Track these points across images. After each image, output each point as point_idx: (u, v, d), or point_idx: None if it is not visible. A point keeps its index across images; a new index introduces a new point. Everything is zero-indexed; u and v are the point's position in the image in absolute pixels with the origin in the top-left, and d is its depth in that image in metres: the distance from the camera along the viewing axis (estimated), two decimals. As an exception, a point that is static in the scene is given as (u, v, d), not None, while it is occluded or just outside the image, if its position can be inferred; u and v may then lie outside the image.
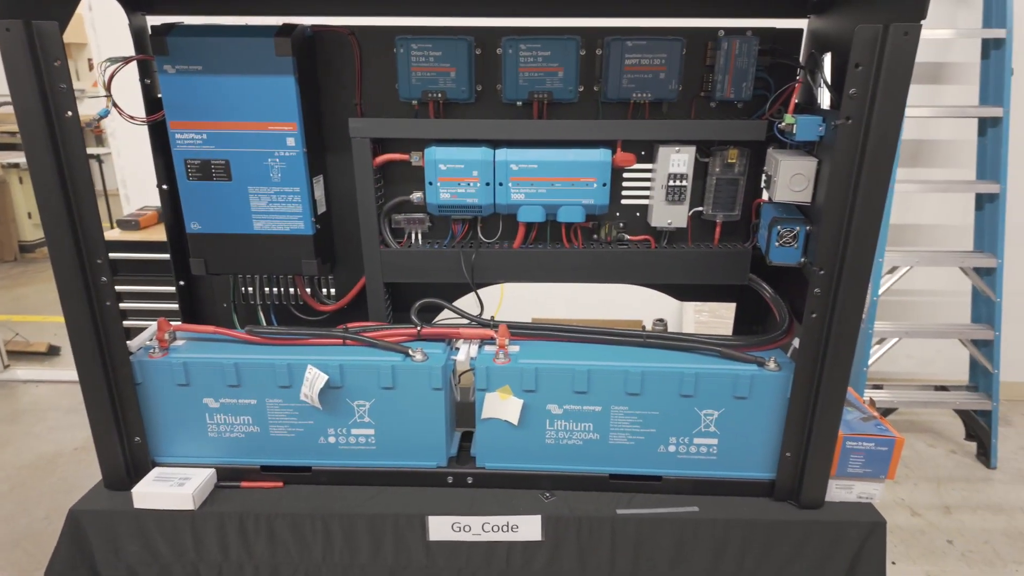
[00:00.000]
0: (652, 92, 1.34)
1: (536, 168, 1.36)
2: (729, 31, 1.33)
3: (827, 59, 1.17)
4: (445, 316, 1.48)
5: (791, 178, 1.16)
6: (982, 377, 2.77)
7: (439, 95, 1.34)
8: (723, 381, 1.21)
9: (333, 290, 1.57)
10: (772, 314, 1.39)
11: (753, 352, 1.27)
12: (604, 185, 1.37)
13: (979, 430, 2.78)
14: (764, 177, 1.28)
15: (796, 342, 1.29)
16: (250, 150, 1.32)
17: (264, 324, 1.55)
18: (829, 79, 1.16)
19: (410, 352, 1.25)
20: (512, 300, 1.57)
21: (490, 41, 1.35)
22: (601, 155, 1.36)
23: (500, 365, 1.23)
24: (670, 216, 1.42)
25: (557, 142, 1.36)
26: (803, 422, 1.21)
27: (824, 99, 1.17)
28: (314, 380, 1.21)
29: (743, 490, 1.29)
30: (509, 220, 1.47)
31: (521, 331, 1.32)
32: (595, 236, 1.49)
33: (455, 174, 1.37)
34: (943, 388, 2.84)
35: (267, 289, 1.52)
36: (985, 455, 2.76)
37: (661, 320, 1.62)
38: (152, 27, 1.30)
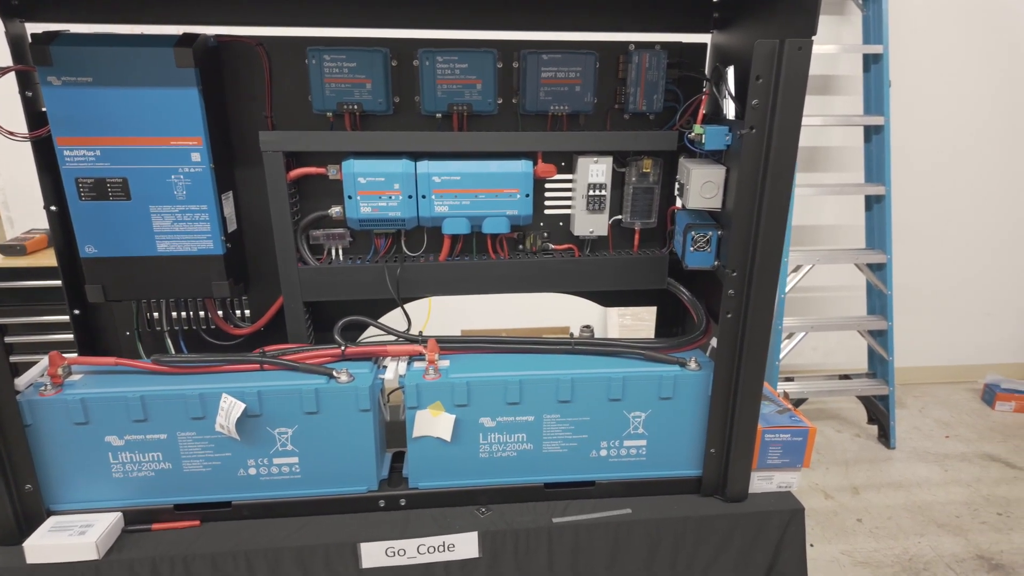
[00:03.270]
0: (569, 104, 1.36)
1: (459, 180, 1.36)
2: (639, 45, 1.38)
3: (730, 72, 1.23)
4: (371, 334, 1.44)
5: (702, 185, 1.21)
6: (879, 364, 3.00)
7: (355, 107, 1.31)
8: (648, 383, 1.24)
9: (248, 312, 1.49)
10: (690, 316, 1.45)
11: (674, 353, 1.31)
12: (527, 196, 1.38)
13: (879, 414, 3.01)
14: (677, 185, 1.33)
15: (714, 341, 1.35)
16: (151, 167, 1.24)
17: (173, 352, 1.45)
18: (733, 91, 1.22)
19: (334, 373, 1.20)
20: (440, 313, 1.55)
21: (406, 53, 1.34)
22: (523, 166, 1.37)
23: (430, 381, 1.21)
24: (592, 225, 1.45)
25: (479, 154, 1.36)
26: (724, 418, 1.26)
27: (729, 110, 1.23)
28: (230, 409, 1.14)
29: (672, 488, 1.33)
30: (434, 233, 1.46)
31: (450, 345, 1.31)
32: (520, 247, 1.50)
33: (376, 187, 1.34)
34: (846, 377, 3.05)
35: (175, 314, 1.42)
36: (885, 437, 2.99)
37: (588, 327, 1.66)
38: (32, 35, 1.19)
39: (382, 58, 1.29)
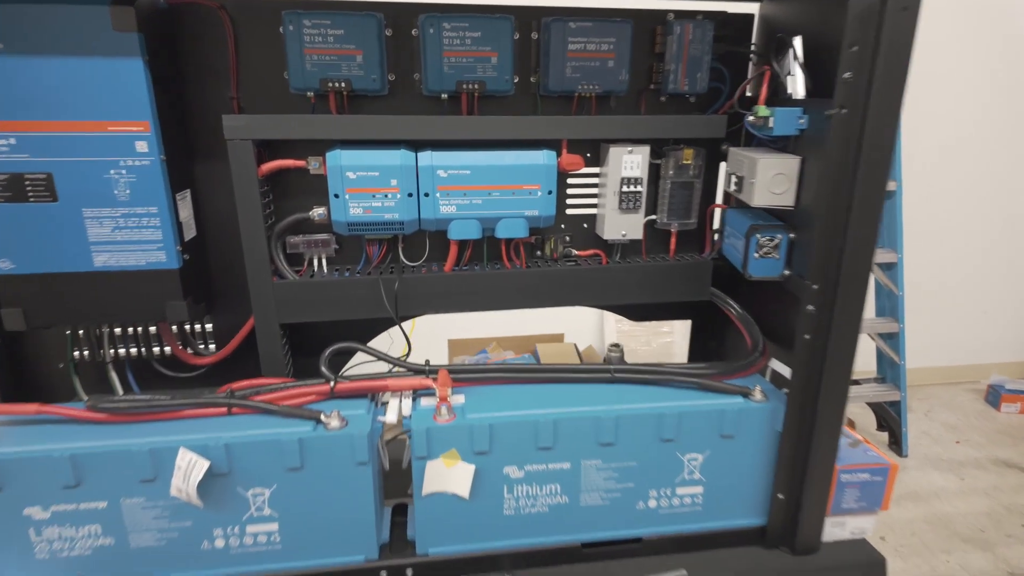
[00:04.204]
0: (600, 83, 1.14)
1: (469, 174, 1.12)
2: (679, 15, 1.17)
3: (798, 43, 1.03)
4: (360, 360, 1.19)
5: (772, 179, 1.00)
6: (889, 368, 2.86)
7: (342, 84, 1.06)
8: (708, 418, 1.03)
9: (212, 336, 1.24)
10: (732, 331, 1.24)
11: (731, 380, 1.10)
12: (550, 193, 1.16)
13: (890, 420, 2.87)
14: (732, 179, 1.12)
15: (774, 364, 1.14)
16: (84, 159, 0.97)
17: (117, 391, 1.19)
18: (797, 67, 1.02)
19: (322, 417, 0.96)
20: (421, 321, 1.31)
21: (403, 20, 1.10)
22: (545, 157, 1.14)
23: (443, 424, 0.97)
24: (624, 227, 1.23)
25: (489, 143, 1.13)
26: (796, 457, 1.05)
27: (798, 88, 1.03)
28: (189, 469, 0.89)
29: (732, 541, 1.12)
30: (437, 238, 1.22)
31: (464, 376, 1.07)
32: (538, 253, 1.27)
33: (368, 183, 1.09)
34: (855, 382, 2.90)
35: (120, 342, 1.16)
36: (897, 444, 2.85)
37: (616, 345, 1.44)
38: (-80, -11, 0.92)
39: (376, 24, 1.05)
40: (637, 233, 1.23)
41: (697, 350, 1.46)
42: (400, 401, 1.02)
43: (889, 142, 0.88)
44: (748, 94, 1.17)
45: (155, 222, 1.02)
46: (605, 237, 1.23)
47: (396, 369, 1.08)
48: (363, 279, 1.16)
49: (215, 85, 1.10)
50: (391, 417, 0.99)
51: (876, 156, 0.89)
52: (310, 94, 1.07)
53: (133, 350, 1.18)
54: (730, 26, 1.20)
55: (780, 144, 1.06)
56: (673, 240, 1.28)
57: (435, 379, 1.01)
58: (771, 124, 1.00)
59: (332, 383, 1.01)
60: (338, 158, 1.08)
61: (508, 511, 1.03)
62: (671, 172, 1.23)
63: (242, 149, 1.04)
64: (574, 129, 1.14)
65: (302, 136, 1.06)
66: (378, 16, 1.05)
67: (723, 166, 1.17)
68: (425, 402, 1.03)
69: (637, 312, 1.35)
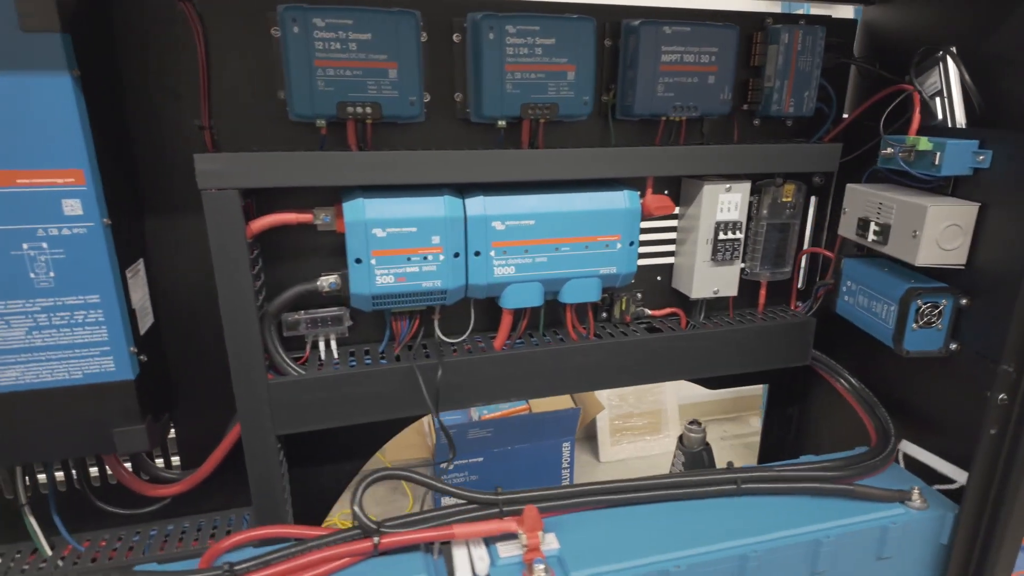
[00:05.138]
0: (698, 104, 0.89)
1: (533, 226, 0.85)
2: (778, 19, 0.94)
3: (951, 61, 0.81)
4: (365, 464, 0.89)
5: (943, 231, 0.78)
6: None
7: (368, 110, 0.76)
8: (866, 539, 0.80)
9: (175, 448, 0.90)
10: (818, 395, 1.03)
11: (866, 480, 0.88)
12: (631, 244, 0.90)
13: None
14: (859, 224, 0.89)
15: (910, 449, 0.93)
16: (-23, 227, 0.63)
17: (39, 542, 0.83)
18: (962, 87, 0.81)
19: (372, 597, 0.66)
20: None
21: (438, 19, 0.81)
22: (627, 200, 0.88)
23: (541, 589, 0.69)
24: (717, 282, 0.98)
25: (546, 182, 0.86)
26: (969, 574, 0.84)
27: (957, 114, 0.81)
28: None
29: None
30: (483, 305, 0.94)
31: (549, 505, 0.79)
32: (604, 314, 1.01)
33: (402, 243, 0.80)
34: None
35: (41, 475, 0.81)
36: None
37: (696, 423, 1.19)
38: None
39: (413, 26, 0.75)
40: (732, 289, 0.99)
41: (775, 418, 1.23)
42: (470, 554, 0.73)
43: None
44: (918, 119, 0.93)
45: (96, 315, 0.68)
46: (693, 296, 0.98)
47: (450, 500, 0.79)
48: (392, 369, 0.85)
49: (174, 110, 0.77)
50: (464, 582, 0.70)
51: (1104, 206, 0.68)
52: (321, 123, 0.76)
53: (60, 475, 0.83)
54: (833, 34, 0.98)
55: (929, 185, 0.85)
56: (763, 293, 1.05)
57: (521, 522, 0.73)
58: (938, 161, 0.77)
59: (376, 539, 0.71)
60: (361, 210, 0.78)
61: None
62: (765, 212, 0.99)
63: (223, 202, 0.72)
64: (673, 163, 0.88)
65: (314, 183, 0.75)
66: (414, 14, 0.75)
67: (845, 205, 0.94)
68: (505, 552, 0.74)
69: (718, 381, 1.11)
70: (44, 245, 0.65)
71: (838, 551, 0.78)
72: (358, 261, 0.80)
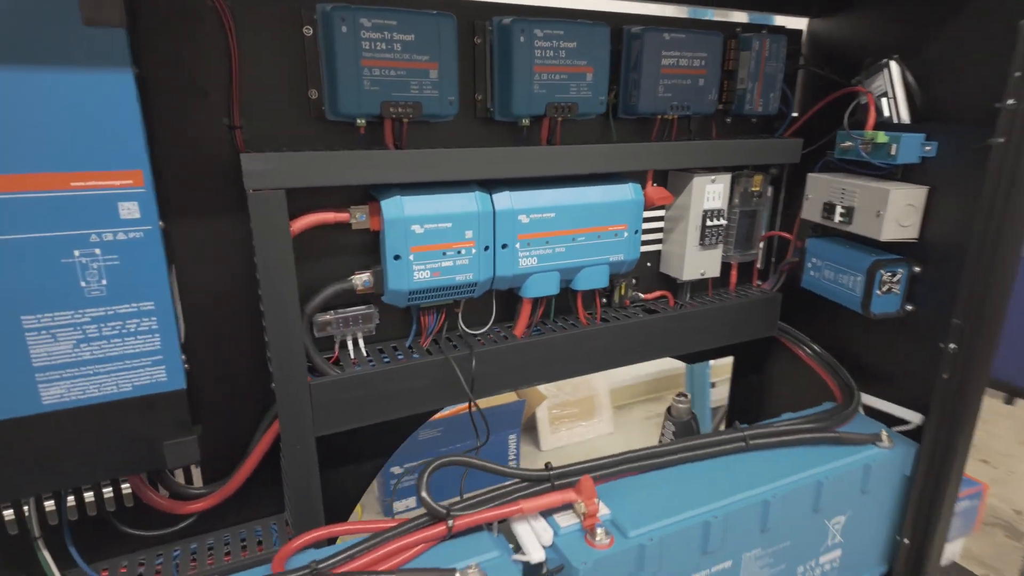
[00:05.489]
0: (690, 104, 0.98)
1: (553, 218, 0.90)
2: (746, 28, 1.06)
3: (895, 66, 0.96)
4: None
5: (902, 210, 0.92)
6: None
7: (409, 109, 0.78)
8: (853, 477, 0.93)
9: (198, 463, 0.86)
10: (777, 363, 1.17)
11: (843, 428, 1.02)
12: (636, 232, 0.98)
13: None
14: (838, 210, 1.02)
15: (871, 402, 1.08)
16: (25, 237, 0.59)
17: (52, 571, 0.77)
18: (904, 89, 0.96)
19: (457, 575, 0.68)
20: None
21: (460, 23, 0.84)
22: (633, 192, 0.96)
23: (607, 551, 0.75)
24: (703, 265, 1.09)
25: (558, 178, 0.92)
26: (924, 500, 1.00)
27: (900, 113, 0.96)
28: None
29: (860, 598, 1.04)
30: (503, 297, 0.98)
31: (597, 476, 0.85)
32: (604, 300, 1.08)
33: (439, 238, 0.82)
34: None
35: (48, 501, 0.75)
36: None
37: (683, 395, 1.29)
38: None
39: (451, 28, 0.78)
40: (716, 270, 1.10)
41: (740, 386, 1.37)
42: (532, 527, 0.78)
43: (1037, 172, 0.85)
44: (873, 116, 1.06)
45: (149, 323, 0.65)
46: (684, 278, 1.08)
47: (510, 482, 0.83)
48: (428, 363, 0.88)
49: (199, 108, 0.75)
50: (535, 554, 0.75)
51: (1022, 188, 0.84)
52: (361, 122, 0.77)
53: (70, 500, 0.77)
54: (790, 43, 1.11)
55: (882, 172, 0.99)
56: (734, 273, 1.17)
57: (579, 491, 0.78)
58: (894, 152, 0.92)
59: (450, 522, 0.73)
60: (399, 207, 0.79)
61: (668, 635, 0.84)
62: (737, 200, 1.11)
63: (271, 203, 0.71)
64: (671, 157, 0.97)
65: (361, 181, 0.76)
66: (453, 17, 0.78)
67: (808, 192, 1.07)
68: (564, 522, 0.79)
69: (698, 356, 1.22)
70: (97, 251, 0.61)
71: (834, 488, 0.91)
72: (396, 257, 0.81)
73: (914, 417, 1.00)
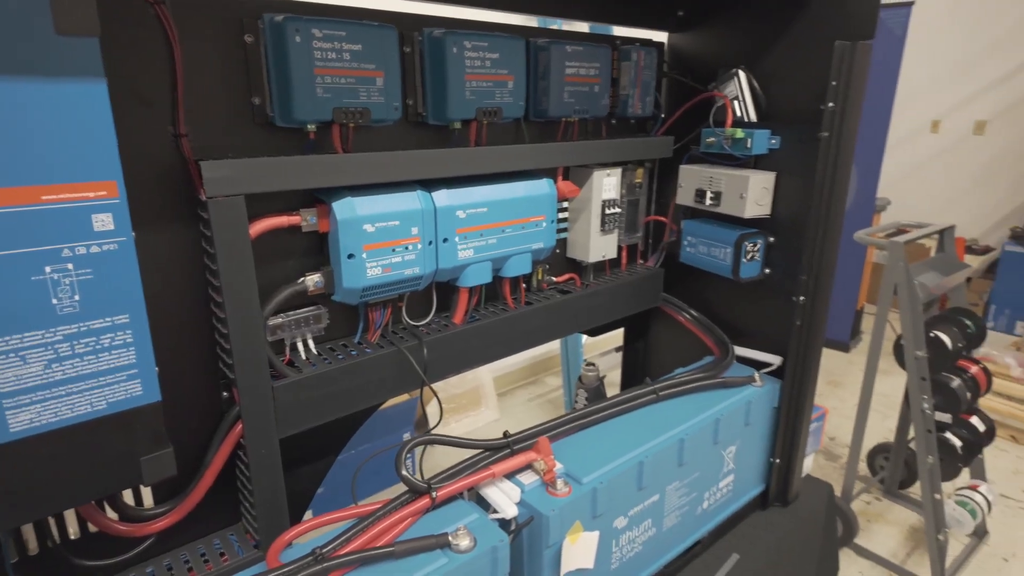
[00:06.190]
0: (589, 108, 1.12)
1: (486, 212, 0.99)
2: (625, 41, 1.22)
3: (742, 75, 1.18)
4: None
5: (759, 192, 1.14)
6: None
7: (358, 114, 0.82)
8: (739, 413, 1.14)
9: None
10: (659, 330, 1.39)
11: (730, 375, 1.23)
12: (552, 223, 1.10)
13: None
14: (708, 195, 1.22)
15: (737, 350, 1.31)
16: (-27, 254, 0.56)
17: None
18: (751, 95, 1.18)
19: (450, 540, 0.75)
20: None
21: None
22: (549, 187, 1.08)
23: (566, 498, 0.86)
24: (604, 248, 1.24)
25: (484, 176, 1.01)
26: (789, 425, 1.24)
27: (749, 113, 1.18)
28: None
29: (746, 512, 1.26)
30: (442, 289, 1.05)
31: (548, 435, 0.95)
32: (524, 285, 1.19)
33: (388, 236, 0.88)
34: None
35: None
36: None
37: (592, 365, 1.43)
38: None
39: (394, 39, 0.84)
40: (613, 252, 1.26)
41: (630, 352, 1.55)
42: (498, 490, 0.86)
43: (848, 160, 1.10)
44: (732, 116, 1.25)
45: (124, 337, 0.64)
46: (590, 260, 1.22)
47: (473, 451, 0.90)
48: (384, 355, 0.93)
49: (143, 117, 0.73)
50: (508, 510, 0.83)
51: (844, 173, 1.09)
52: (312, 127, 0.80)
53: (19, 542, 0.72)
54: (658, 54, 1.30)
55: (738, 162, 1.21)
56: (625, 254, 1.34)
57: (537, 449, 0.89)
58: (750, 145, 1.13)
59: (433, 494, 0.79)
60: (352, 208, 0.84)
61: (615, 564, 0.97)
62: (624, 191, 1.28)
63: (231, 209, 0.73)
64: (576, 155, 1.10)
65: (320, 184, 0.79)
66: (395, 29, 0.84)
67: (681, 181, 1.26)
68: (527, 480, 0.89)
69: (598, 329, 1.37)
70: (70, 266, 0.59)
71: (728, 423, 1.11)
72: (351, 256, 0.85)
73: (776, 360, 1.24)
